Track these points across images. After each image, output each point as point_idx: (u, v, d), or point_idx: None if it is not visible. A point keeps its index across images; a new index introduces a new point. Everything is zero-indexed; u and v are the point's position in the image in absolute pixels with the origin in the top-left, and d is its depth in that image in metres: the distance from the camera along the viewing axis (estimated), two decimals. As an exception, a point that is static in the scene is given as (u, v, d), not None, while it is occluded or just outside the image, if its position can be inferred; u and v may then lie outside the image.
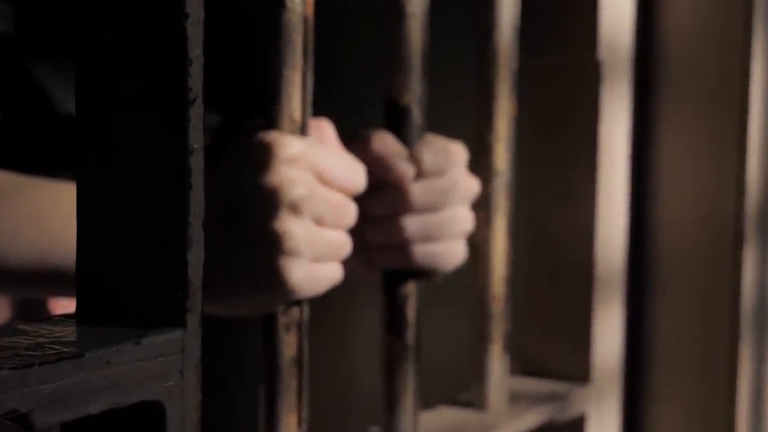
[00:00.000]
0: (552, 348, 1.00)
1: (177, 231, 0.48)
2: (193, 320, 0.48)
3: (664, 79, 1.01)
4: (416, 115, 0.80)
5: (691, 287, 1.01)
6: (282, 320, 0.72)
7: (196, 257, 0.48)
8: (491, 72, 0.87)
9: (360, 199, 0.76)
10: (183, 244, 0.48)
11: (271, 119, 0.70)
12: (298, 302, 0.72)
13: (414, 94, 0.79)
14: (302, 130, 0.71)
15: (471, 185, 0.82)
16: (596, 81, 0.96)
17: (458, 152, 0.81)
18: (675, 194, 1.01)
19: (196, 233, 0.48)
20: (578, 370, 0.98)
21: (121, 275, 0.50)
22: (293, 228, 0.68)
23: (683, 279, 1.02)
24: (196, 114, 0.48)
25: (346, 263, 0.75)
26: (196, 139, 0.48)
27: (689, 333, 1.01)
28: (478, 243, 0.88)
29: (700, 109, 1.00)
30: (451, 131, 0.83)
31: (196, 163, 0.48)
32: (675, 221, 1.02)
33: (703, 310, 1.01)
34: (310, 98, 0.71)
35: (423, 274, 0.82)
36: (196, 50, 0.47)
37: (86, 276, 0.50)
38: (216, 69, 1.03)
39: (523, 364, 1.01)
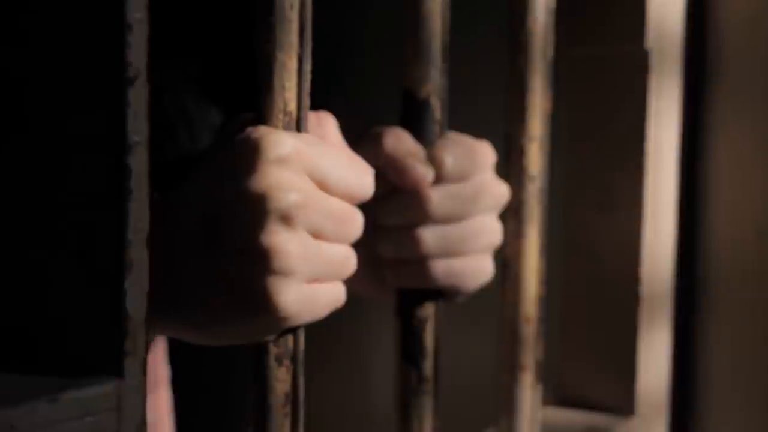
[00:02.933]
0: (591, 376, 0.98)
1: (112, 251, 0.37)
2: (134, 366, 0.38)
3: (719, 72, 1.00)
4: (436, 110, 0.76)
5: (747, 307, 0.99)
6: (273, 351, 0.64)
7: (138, 285, 0.38)
8: (524, 62, 0.83)
9: (370, 207, 0.70)
10: (120, 268, 0.37)
11: (260, 112, 0.62)
12: (293, 330, 0.64)
13: (434, 86, 0.75)
14: (298, 125, 0.63)
15: (499, 191, 0.78)
16: (643, 73, 0.93)
17: (485, 153, 0.77)
18: (730, 202, 1.00)
19: (138, 254, 0.37)
20: (621, 401, 0.96)
21: (45, 308, 0.39)
22: (284, 242, 0.60)
23: (739, 298, 1.00)
24: (138, 97, 0.37)
25: (355, 281, 0.69)
26: (138, 129, 0.37)
27: (745, 359, 1.00)
28: (507, 258, 0.84)
29: (759, 106, 0.98)
30: (476, 129, 0.80)
31: (138, 162, 0.37)
32: (730, 233, 1.00)
33: (760, 334, 0.99)
34: (307, 87, 0.63)
35: (444, 293, 0.78)
36: (137, 13, 0.36)
37: (2, 309, 0.40)
38: (222, 61, 0.96)
39: (558, 394, 0.99)
